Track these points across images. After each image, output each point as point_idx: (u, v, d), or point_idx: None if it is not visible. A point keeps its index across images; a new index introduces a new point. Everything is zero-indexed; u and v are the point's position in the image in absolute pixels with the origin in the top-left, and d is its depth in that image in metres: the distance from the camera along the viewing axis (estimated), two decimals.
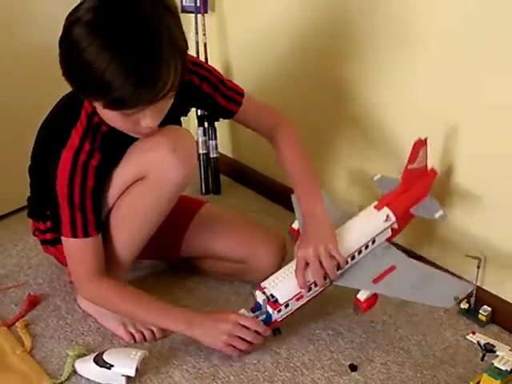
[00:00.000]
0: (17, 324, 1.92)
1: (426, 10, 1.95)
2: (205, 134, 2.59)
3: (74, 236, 1.76)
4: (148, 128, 1.68)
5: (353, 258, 1.86)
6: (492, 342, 1.79)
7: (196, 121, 2.59)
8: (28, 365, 1.80)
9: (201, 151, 2.59)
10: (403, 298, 1.87)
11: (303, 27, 2.30)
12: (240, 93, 1.94)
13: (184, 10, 2.56)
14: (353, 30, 2.16)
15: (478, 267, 1.97)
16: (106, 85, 1.54)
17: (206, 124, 2.59)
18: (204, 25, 2.56)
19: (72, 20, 1.57)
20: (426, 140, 1.91)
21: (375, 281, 1.82)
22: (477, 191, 1.97)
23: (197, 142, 2.54)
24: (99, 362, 1.73)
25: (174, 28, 1.59)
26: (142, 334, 1.88)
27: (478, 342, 1.79)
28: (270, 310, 1.80)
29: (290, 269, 1.84)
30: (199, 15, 2.55)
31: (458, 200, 2.02)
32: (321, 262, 1.77)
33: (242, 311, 1.83)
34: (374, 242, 1.89)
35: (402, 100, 2.08)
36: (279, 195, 2.50)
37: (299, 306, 1.84)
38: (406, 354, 1.88)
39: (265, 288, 1.81)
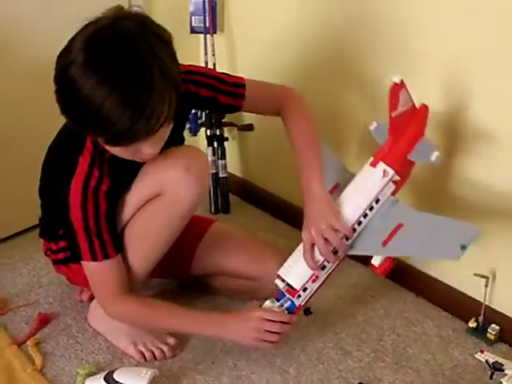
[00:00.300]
0: (27, 342, 1.93)
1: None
2: (214, 154, 2.61)
3: (94, 260, 1.77)
4: (150, 154, 1.70)
5: (359, 223, 1.80)
6: (500, 360, 1.80)
7: (205, 141, 2.60)
8: (39, 383, 1.80)
9: (210, 171, 2.60)
10: (412, 255, 1.82)
11: (312, 47, 2.32)
12: (241, 84, 1.90)
13: (193, 31, 2.59)
14: (366, 47, 2.17)
15: (486, 286, 1.97)
16: (103, 120, 1.54)
17: (215, 144, 2.61)
18: (213, 45, 2.58)
19: (65, 63, 1.56)
20: (402, 81, 1.77)
21: (384, 243, 1.76)
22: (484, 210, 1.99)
23: None
24: (109, 380, 1.73)
25: (166, 59, 1.59)
26: (153, 352, 1.89)
27: (486, 360, 1.79)
28: (290, 297, 1.80)
29: (298, 253, 1.81)
30: (208, 36, 2.57)
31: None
32: (326, 239, 1.75)
33: (267, 302, 1.82)
34: (377, 201, 1.80)
35: None
36: (288, 215, 2.52)
37: (319, 284, 1.82)
38: (414, 373, 1.88)
39: (281, 276, 1.81)
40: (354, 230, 1.79)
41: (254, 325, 1.79)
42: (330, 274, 1.83)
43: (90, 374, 1.80)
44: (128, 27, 1.56)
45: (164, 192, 1.79)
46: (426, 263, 2.16)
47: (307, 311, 1.88)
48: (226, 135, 2.63)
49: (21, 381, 1.81)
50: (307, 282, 1.80)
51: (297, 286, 1.79)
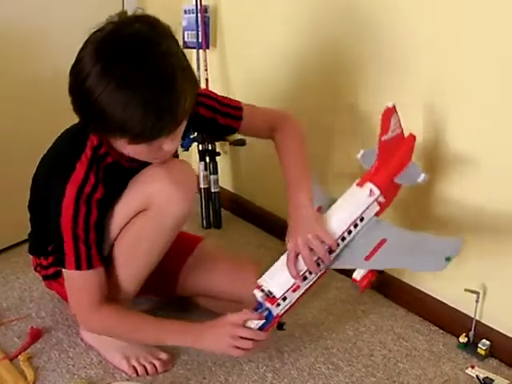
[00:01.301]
0: (19, 357, 1.92)
1: (429, 38, 1.97)
2: (206, 169, 2.61)
3: (78, 268, 1.76)
4: (169, 152, 1.72)
5: (343, 238, 1.80)
6: (491, 375, 1.80)
7: (197, 155, 2.61)
8: None
9: (202, 186, 2.61)
10: (396, 267, 1.82)
11: (303, 62, 2.33)
12: (238, 107, 1.94)
13: (186, 46, 2.60)
14: (354, 62, 2.19)
15: (477, 301, 1.98)
16: (128, 122, 1.56)
17: (207, 159, 2.62)
18: (206, 60, 2.59)
19: (80, 75, 1.57)
20: (394, 107, 1.83)
21: (367, 257, 1.78)
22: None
23: (198, 176, 2.56)
24: None
25: (180, 54, 1.63)
26: (145, 367, 1.89)
27: (477, 375, 1.80)
28: (268, 305, 1.79)
29: (281, 262, 1.81)
30: (201, 51, 2.59)
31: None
32: (311, 249, 1.75)
33: (245, 311, 1.80)
34: (362, 219, 1.83)
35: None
36: (280, 230, 2.50)
37: (298, 296, 1.81)
38: None
39: (262, 286, 1.79)
40: (338, 244, 1.79)
41: (226, 330, 1.76)
42: (310, 286, 1.82)
43: None
44: (138, 28, 1.59)
45: (152, 205, 1.79)
46: (417, 278, 2.17)
47: (281, 326, 1.86)
48: (217, 150, 2.64)
49: None
50: (288, 290, 1.78)
51: (277, 293, 1.78)
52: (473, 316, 2.00)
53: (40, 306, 2.14)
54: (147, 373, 1.88)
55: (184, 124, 1.68)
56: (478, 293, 1.98)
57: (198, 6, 2.55)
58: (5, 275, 2.29)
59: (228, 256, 2.13)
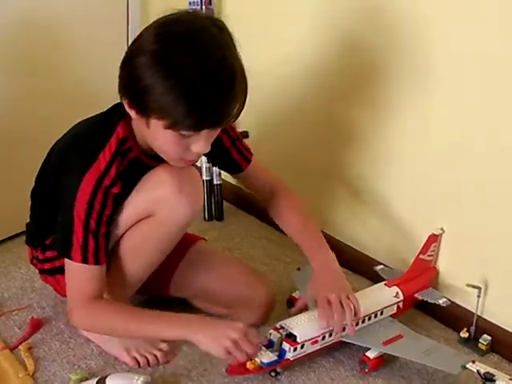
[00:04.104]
0: (20, 347, 1.92)
1: (443, 56, 1.99)
2: (208, 161, 2.61)
3: (85, 261, 1.74)
4: (196, 154, 1.72)
5: (363, 321, 1.93)
6: (492, 371, 1.80)
7: None
8: None
9: (204, 178, 2.60)
10: (413, 360, 1.89)
11: (309, 57, 2.34)
12: (250, 151, 2.01)
13: None
14: (364, 79, 2.22)
15: (479, 296, 1.98)
16: (173, 109, 1.59)
17: None
18: None
19: (141, 50, 1.62)
20: (440, 235, 2.08)
21: (385, 343, 1.89)
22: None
23: (200, 168, 2.56)
24: None
25: (240, 60, 1.67)
26: (146, 358, 1.88)
27: (477, 370, 1.80)
28: (286, 346, 1.81)
29: (311, 313, 1.88)
30: None
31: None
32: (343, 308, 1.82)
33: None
34: (382, 313, 1.98)
35: (413, 146, 2.13)
36: None
37: (311, 351, 1.86)
38: (406, 382, 1.89)
39: (281, 328, 1.84)
40: (357, 324, 1.88)
41: (234, 336, 1.69)
42: (320, 349, 1.88)
43: (82, 380, 1.80)
44: (208, 26, 1.63)
45: (157, 211, 1.79)
46: None
47: (276, 373, 1.86)
48: None
49: None
50: (309, 340, 1.84)
51: (300, 338, 1.82)
52: (474, 311, 2.00)
53: (41, 297, 2.14)
54: (149, 364, 1.88)
55: (218, 131, 1.71)
56: (479, 288, 1.98)
57: None
58: (6, 265, 2.28)
59: (224, 258, 2.13)
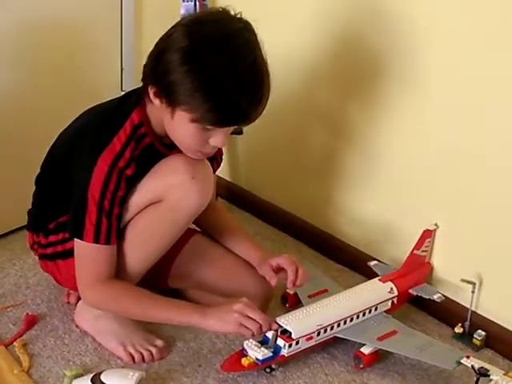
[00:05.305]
0: (14, 343, 1.92)
1: (443, 56, 1.99)
2: None
3: (97, 241, 1.76)
4: (214, 147, 1.76)
5: (357, 317, 1.95)
6: (486, 366, 1.80)
7: None
8: None
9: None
10: (408, 356, 1.91)
11: (304, 56, 2.34)
12: (222, 157, 2.06)
13: None
14: (355, 75, 2.22)
15: (473, 292, 1.99)
16: (203, 105, 1.64)
17: None
18: None
19: (175, 43, 1.66)
20: (434, 231, 2.08)
21: (380, 339, 1.90)
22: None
23: None
24: (96, 382, 1.72)
25: (268, 71, 1.73)
26: (141, 354, 1.88)
27: (472, 366, 1.80)
28: (281, 343, 1.82)
29: (306, 309, 1.89)
30: None
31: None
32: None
33: (250, 340, 1.82)
34: (376, 308, 1.99)
35: (410, 143, 2.13)
36: (276, 218, 2.52)
37: (306, 347, 1.86)
38: (400, 377, 1.90)
39: (279, 323, 1.83)
40: (351, 319, 1.92)
41: (237, 306, 1.75)
42: (315, 345, 1.89)
43: (77, 376, 1.79)
44: (241, 28, 1.70)
45: (167, 197, 1.80)
46: None
47: (272, 369, 1.87)
48: None
49: (8, 382, 1.80)
50: (303, 336, 1.84)
51: (295, 335, 1.82)
52: (468, 306, 2.01)
53: (36, 293, 2.14)
54: (144, 360, 1.88)
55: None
56: (474, 283, 1.99)
57: None
58: (1, 262, 2.28)
59: (222, 250, 2.10)
